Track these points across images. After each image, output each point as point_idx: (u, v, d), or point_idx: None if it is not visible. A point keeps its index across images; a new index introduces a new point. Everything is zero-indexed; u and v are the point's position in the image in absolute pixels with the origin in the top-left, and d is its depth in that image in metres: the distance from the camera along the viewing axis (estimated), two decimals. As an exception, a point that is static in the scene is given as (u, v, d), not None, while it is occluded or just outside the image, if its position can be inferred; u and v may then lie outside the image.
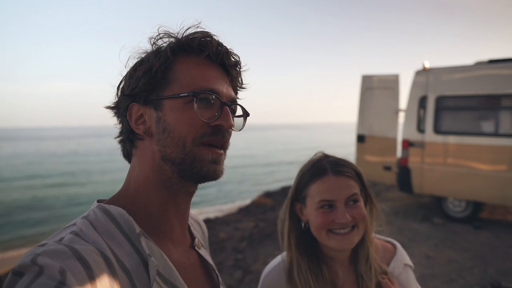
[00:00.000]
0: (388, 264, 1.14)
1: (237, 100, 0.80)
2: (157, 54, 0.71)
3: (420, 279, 3.98)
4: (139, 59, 0.74)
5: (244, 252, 5.42)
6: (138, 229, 0.67)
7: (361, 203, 1.06)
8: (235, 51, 0.77)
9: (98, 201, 0.72)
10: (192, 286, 0.72)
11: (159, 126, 0.70)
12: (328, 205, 1.04)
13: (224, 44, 0.75)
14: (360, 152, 7.41)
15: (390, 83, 7.07)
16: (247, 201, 10.95)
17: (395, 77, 7.07)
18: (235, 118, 0.79)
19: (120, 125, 0.77)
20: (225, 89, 0.74)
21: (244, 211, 9.27)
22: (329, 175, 1.06)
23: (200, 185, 0.76)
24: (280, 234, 1.18)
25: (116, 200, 0.73)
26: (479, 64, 6.11)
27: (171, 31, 0.74)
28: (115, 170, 21.17)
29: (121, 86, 0.76)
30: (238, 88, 0.82)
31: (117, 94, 0.77)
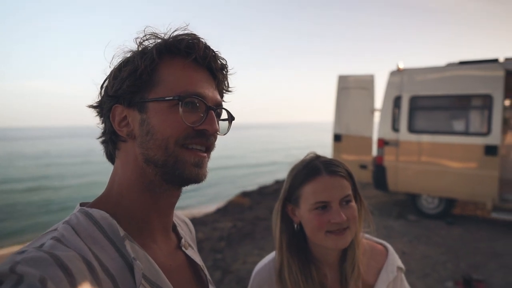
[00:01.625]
0: (380, 268, 1.12)
1: (223, 103, 0.79)
2: (143, 55, 0.70)
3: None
4: (124, 59, 0.72)
5: (223, 252, 5.38)
6: (122, 232, 0.65)
7: (354, 203, 1.06)
8: (222, 55, 0.76)
9: (81, 204, 0.71)
10: (180, 287, 0.72)
11: (142, 128, 0.69)
12: (322, 206, 1.03)
13: (212, 47, 0.74)
14: (336, 151, 7.52)
15: (365, 83, 7.21)
16: (224, 201, 10.89)
17: (370, 77, 7.20)
18: (220, 122, 0.78)
19: (103, 126, 0.75)
20: (211, 93, 0.73)
21: (221, 211, 9.21)
22: (323, 175, 1.04)
23: (184, 188, 0.76)
24: (273, 234, 1.17)
25: (99, 203, 0.71)
26: (451, 65, 6.31)
27: (158, 32, 0.73)
28: (92, 173, 19.93)
29: (104, 85, 0.74)
30: (224, 92, 0.81)
31: (101, 93, 0.74)
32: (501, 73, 5.59)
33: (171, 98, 0.67)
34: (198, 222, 7.69)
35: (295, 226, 1.14)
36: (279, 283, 1.09)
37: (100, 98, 0.74)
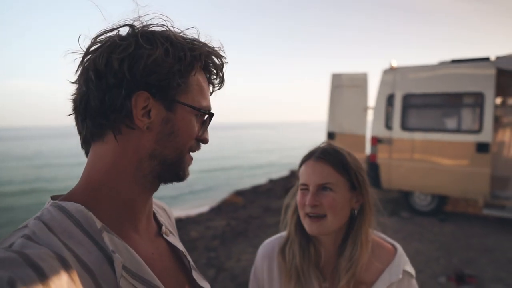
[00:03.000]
0: (384, 267, 1.09)
1: None
2: (193, 57, 0.68)
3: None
4: (167, 47, 0.64)
5: (217, 250, 5.38)
6: (99, 224, 0.62)
7: (335, 193, 1.05)
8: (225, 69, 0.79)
9: (53, 197, 0.66)
10: (163, 276, 0.69)
11: (165, 127, 0.68)
12: (304, 188, 1.09)
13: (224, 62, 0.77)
14: (330, 149, 7.53)
15: (359, 82, 7.24)
16: (218, 200, 10.87)
17: (363, 75, 7.24)
18: None
19: (107, 99, 0.63)
20: (209, 100, 0.76)
21: (215, 210, 9.20)
22: (311, 160, 1.10)
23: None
24: (283, 214, 1.23)
25: (73, 195, 0.66)
26: (443, 64, 6.36)
27: (201, 37, 0.72)
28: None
29: (125, 61, 0.62)
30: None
31: (118, 65, 0.62)
32: (492, 71, 5.65)
33: (204, 111, 0.72)
34: (192, 221, 7.67)
35: None
36: (280, 254, 1.17)
37: (116, 68, 0.62)
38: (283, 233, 1.22)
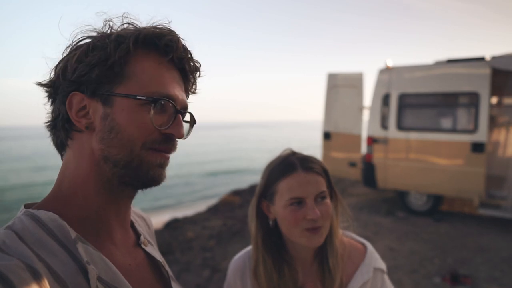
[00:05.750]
0: (356, 268, 1.10)
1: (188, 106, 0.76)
2: (118, 44, 0.63)
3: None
4: (92, 42, 0.64)
5: (213, 250, 5.37)
6: (73, 234, 0.60)
7: (328, 200, 1.06)
8: (197, 57, 0.73)
9: (26, 206, 0.64)
10: (141, 287, 0.68)
11: (105, 123, 0.63)
12: (297, 202, 1.02)
13: (189, 49, 0.71)
14: (326, 148, 7.54)
15: (354, 81, 7.24)
16: (215, 200, 10.85)
17: (359, 75, 7.24)
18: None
19: (53, 109, 0.67)
20: (181, 95, 0.69)
21: (212, 210, 9.19)
22: (298, 172, 1.04)
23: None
24: (249, 230, 1.17)
25: (46, 203, 0.65)
26: (438, 64, 6.37)
27: (135, 22, 0.68)
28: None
29: (60, 65, 0.65)
30: (190, 93, 0.78)
31: (55, 72, 0.66)
32: (487, 71, 5.66)
33: (143, 97, 0.63)
34: (188, 221, 7.66)
35: (270, 223, 1.13)
36: (254, 279, 1.10)
37: (53, 78, 0.66)
38: (250, 247, 1.17)
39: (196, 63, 0.73)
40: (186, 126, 0.74)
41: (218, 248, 5.44)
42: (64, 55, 0.66)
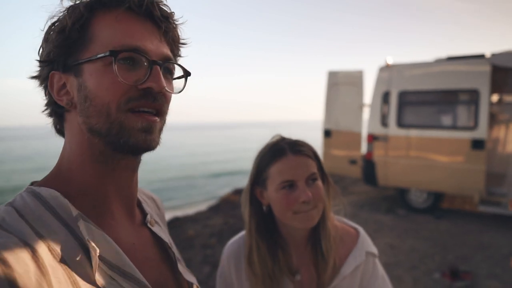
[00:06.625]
0: (349, 252, 1.12)
1: (177, 59, 0.72)
2: (72, 11, 0.61)
3: (385, 267, 4.12)
4: (53, 19, 0.63)
5: (214, 248, 5.38)
6: (75, 212, 0.59)
7: (320, 182, 1.08)
8: (165, 2, 0.67)
9: (31, 184, 0.64)
10: (145, 268, 0.65)
11: (80, 94, 0.61)
12: (289, 185, 1.04)
13: None
14: (326, 146, 7.56)
15: (354, 79, 7.24)
16: (216, 200, 10.85)
17: (359, 73, 7.24)
18: (174, 81, 0.70)
19: (46, 97, 0.68)
20: (155, 45, 0.63)
21: (213, 209, 9.19)
22: (288, 156, 1.06)
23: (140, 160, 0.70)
24: (243, 218, 1.18)
25: (48, 181, 0.64)
26: (438, 61, 6.37)
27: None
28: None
29: (39, 53, 0.66)
30: (176, 44, 0.71)
31: (39, 62, 0.67)
32: (487, 68, 5.66)
33: (102, 55, 0.59)
34: (190, 219, 7.67)
35: (264, 208, 1.15)
36: (248, 266, 1.11)
37: (38, 68, 0.67)
38: (244, 237, 1.18)
39: (164, 7, 0.66)
40: (180, 81, 0.71)
41: (219, 246, 5.45)
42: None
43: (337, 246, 1.11)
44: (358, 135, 7.23)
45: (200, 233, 6.29)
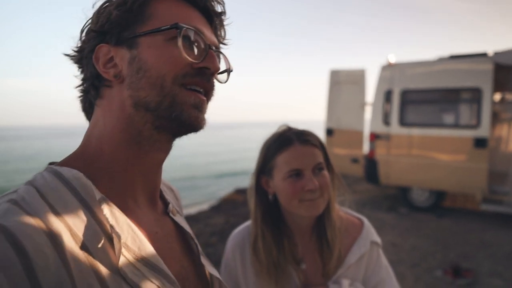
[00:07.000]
0: (353, 241, 1.13)
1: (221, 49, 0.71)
2: None
3: (386, 264, 4.12)
4: None
5: (215, 246, 5.39)
6: (98, 195, 0.55)
7: (326, 172, 1.09)
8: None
9: (50, 164, 0.60)
10: (168, 259, 0.61)
11: (132, 66, 0.60)
12: (296, 174, 1.05)
13: None
14: (328, 145, 7.54)
15: (357, 78, 7.24)
16: (217, 200, 10.85)
17: (361, 72, 7.24)
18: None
19: (83, 74, 0.65)
20: (209, 33, 0.65)
21: (215, 209, 9.20)
22: (295, 145, 1.06)
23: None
24: (249, 207, 1.19)
25: (71, 161, 0.60)
26: (441, 59, 6.36)
27: None
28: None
29: (84, 28, 0.65)
30: (220, 41, 0.72)
31: (81, 38, 0.65)
32: (490, 67, 5.64)
33: (168, 27, 0.59)
34: (191, 218, 7.67)
35: (270, 197, 1.15)
36: (253, 254, 1.12)
37: (79, 43, 0.65)
38: (249, 222, 1.19)
39: (219, 4, 0.68)
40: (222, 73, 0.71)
41: (221, 245, 5.45)
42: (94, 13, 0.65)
43: (342, 236, 1.12)
44: (360, 134, 7.23)
45: (202, 232, 6.30)
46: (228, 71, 0.71)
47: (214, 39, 0.66)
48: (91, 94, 0.64)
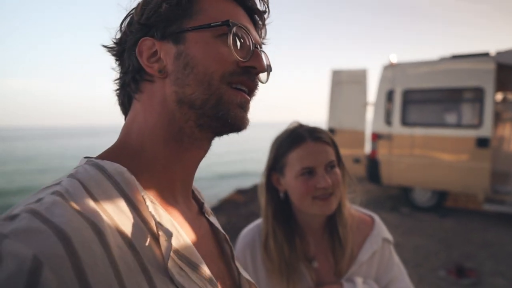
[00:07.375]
0: (365, 238, 1.13)
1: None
2: None
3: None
4: None
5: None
6: (142, 191, 0.53)
7: (338, 169, 1.08)
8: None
9: (86, 158, 0.58)
10: (207, 261, 0.58)
11: (178, 62, 0.58)
12: (308, 172, 1.04)
13: None
14: (330, 145, 7.54)
15: (358, 78, 7.25)
16: (218, 201, 10.85)
17: (363, 72, 7.25)
18: None
19: (122, 67, 0.63)
20: (254, 32, 0.64)
21: (216, 209, 9.20)
22: (308, 142, 1.05)
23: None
24: (260, 204, 1.18)
25: (110, 154, 0.57)
26: (443, 59, 6.36)
27: None
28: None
29: (126, 20, 0.63)
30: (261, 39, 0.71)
31: (121, 30, 0.63)
32: (492, 66, 5.64)
33: (219, 23, 0.57)
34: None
35: (281, 195, 1.14)
36: (264, 252, 1.11)
37: (119, 36, 0.63)
38: (259, 221, 1.18)
39: (264, 4, 0.67)
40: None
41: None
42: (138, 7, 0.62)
43: (354, 233, 1.12)
44: (362, 134, 7.23)
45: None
46: (269, 71, 0.69)
47: (258, 38, 0.66)
48: (131, 87, 0.62)
